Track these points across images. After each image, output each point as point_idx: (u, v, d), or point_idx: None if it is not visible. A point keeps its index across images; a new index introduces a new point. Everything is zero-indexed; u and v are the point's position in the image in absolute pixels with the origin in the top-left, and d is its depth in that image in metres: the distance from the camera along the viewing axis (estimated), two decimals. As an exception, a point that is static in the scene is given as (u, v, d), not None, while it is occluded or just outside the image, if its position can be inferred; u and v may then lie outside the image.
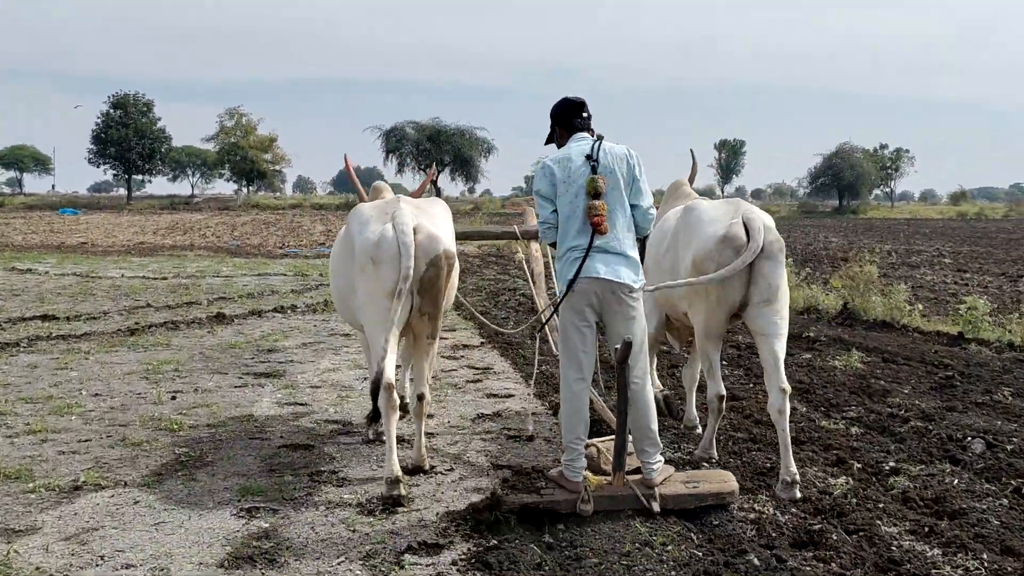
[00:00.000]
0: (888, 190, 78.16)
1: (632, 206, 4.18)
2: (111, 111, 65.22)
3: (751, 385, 6.85)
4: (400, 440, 4.98)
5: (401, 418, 4.72)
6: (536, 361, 6.09)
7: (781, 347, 4.44)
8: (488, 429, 5.67)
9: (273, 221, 41.69)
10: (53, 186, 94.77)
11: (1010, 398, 6.28)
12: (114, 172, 68.89)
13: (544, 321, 5.02)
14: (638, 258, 4.20)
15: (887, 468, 4.66)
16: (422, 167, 60.40)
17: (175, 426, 5.55)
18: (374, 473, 4.70)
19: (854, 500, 4.15)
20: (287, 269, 17.66)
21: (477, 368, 7.72)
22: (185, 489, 4.43)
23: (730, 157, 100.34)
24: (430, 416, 5.68)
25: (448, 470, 4.79)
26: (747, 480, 4.52)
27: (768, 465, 4.72)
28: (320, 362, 7.91)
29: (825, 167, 69.86)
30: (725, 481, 4.16)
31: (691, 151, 5.98)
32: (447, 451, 5.16)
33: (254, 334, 9.43)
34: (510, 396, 6.58)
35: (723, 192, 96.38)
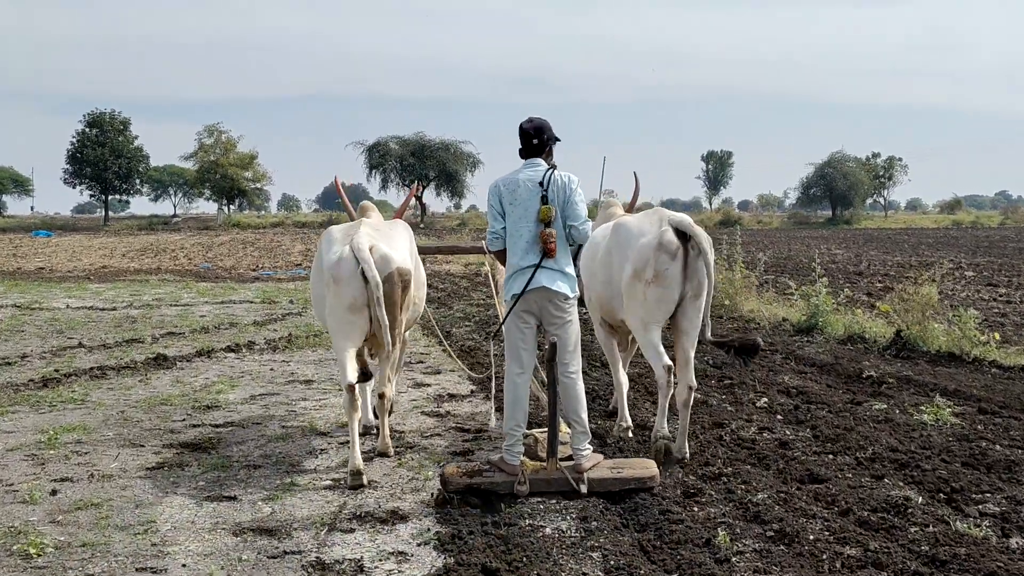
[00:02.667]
0: (881, 200, 76.90)
1: (569, 225, 4.60)
2: (86, 130, 63.14)
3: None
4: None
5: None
6: (492, 363, 6.11)
7: (693, 343, 5.03)
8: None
9: (252, 241, 39.93)
10: (32, 208, 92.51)
11: None
12: (91, 192, 66.67)
13: (496, 329, 5.25)
14: (574, 274, 4.71)
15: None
16: (406, 183, 58.77)
17: (33, 548, 3.85)
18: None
19: None
20: (255, 295, 15.96)
21: (466, 431, 6.06)
22: None
23: (717, 168, 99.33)
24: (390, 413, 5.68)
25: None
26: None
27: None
28: (268, 426, 6.22)
29: (817, 176, 68.49)
30: (647, 467, 4.60)
31: (635, 174, 6.42)
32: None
33: (195, 382, 7.74)
34: (512, 478, 4.92)
35: (711, 204, 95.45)
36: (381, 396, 5.18)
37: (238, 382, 7.78)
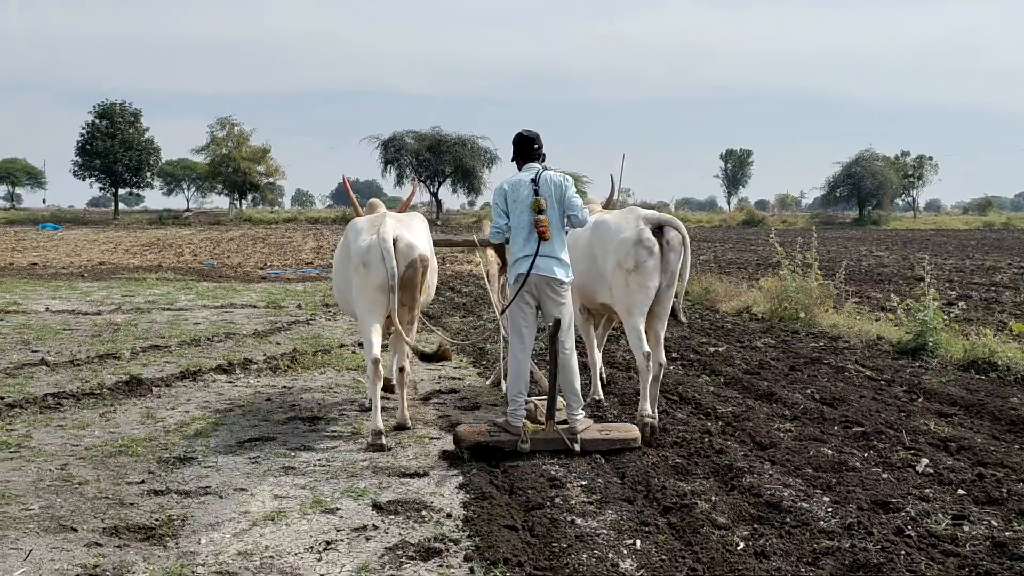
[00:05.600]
0: (910, 199, 74.53)
1: (569, 215, 5.37)
2: (96, 121, 61.79)
3: None
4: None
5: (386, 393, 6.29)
6: (501, 348, 6.78)
7: (663, 326, 5.81)
8: None
9: (263, 237, 38.45)
10: (44, 200, 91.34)
11: None
12: (100, 185, 65.25)
13: (504, 309, 5.68)
14: (569, 261, 5.43)
15: None
16: (422, 178, 57.14)
17: None
18: None
19: None
20: (260, 298, 14.32)
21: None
22: None
23: (736, 167, 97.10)
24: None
25: None
26: None
27: None
28: (256, 494, 4.55)
29: (844, 175, 66.22)
30: (630, 431, 5.38)
31: (611, 176, 6.99)
32: None
33: (170, 419, 6.10)
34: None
35: (729, 204, 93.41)
36: (401, 370, 5.76)
37: (224, 419, 6.12)
